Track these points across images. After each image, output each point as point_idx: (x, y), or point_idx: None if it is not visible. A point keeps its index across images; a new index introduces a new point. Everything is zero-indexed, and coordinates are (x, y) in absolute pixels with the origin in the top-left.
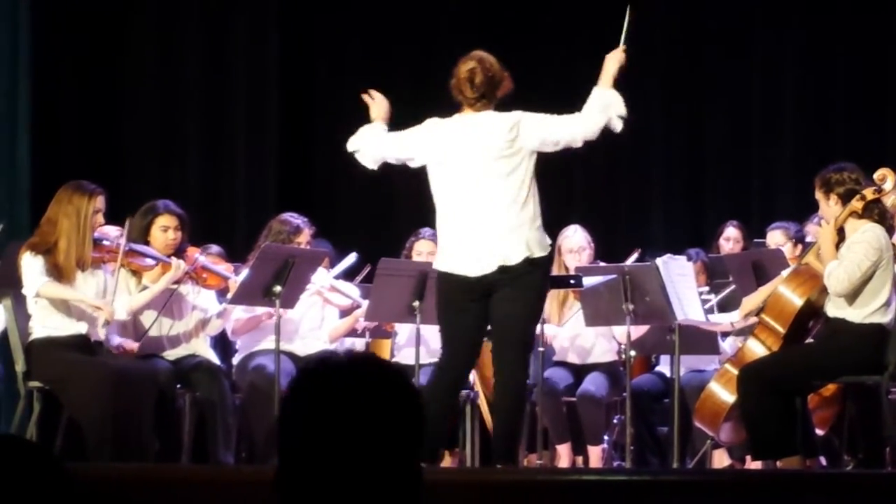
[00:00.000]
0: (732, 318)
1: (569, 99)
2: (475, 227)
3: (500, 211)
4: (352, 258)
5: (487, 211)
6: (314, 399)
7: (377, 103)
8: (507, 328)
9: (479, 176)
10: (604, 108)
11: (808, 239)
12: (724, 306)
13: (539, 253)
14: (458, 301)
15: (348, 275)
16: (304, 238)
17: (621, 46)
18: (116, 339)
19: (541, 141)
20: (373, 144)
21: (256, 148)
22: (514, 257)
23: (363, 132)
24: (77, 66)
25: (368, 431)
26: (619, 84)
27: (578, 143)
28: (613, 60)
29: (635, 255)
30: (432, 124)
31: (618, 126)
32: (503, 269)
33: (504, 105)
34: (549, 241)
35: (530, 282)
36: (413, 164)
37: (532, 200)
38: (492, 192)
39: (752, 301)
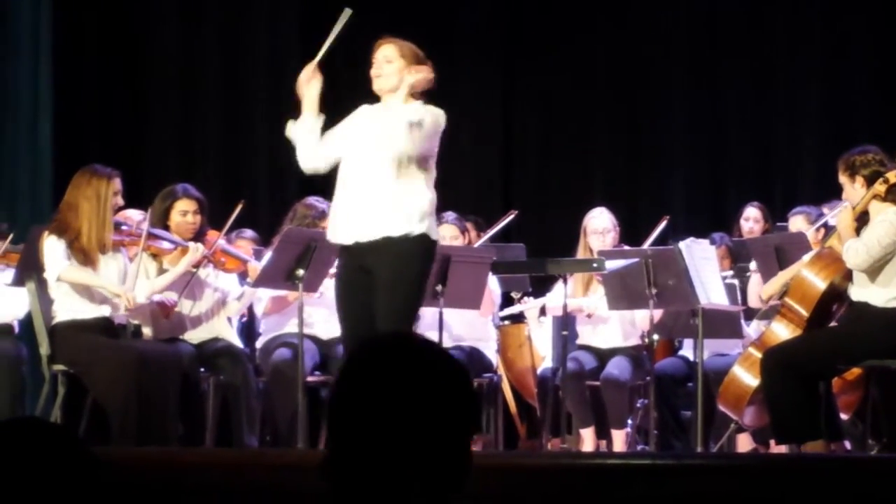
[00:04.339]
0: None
1: (587, 76)
2: None
3: None
4: None
5: None
6: (362, 382)
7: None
8: None
9: None
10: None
11: (830, 223)
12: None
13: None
14: None
15: None
16: None
17: (316, 61)
18: (156, 296)
19: None
20: None
21: (278, 131)
22: None
23: None
24: (98, 50)
25: (417, 412)
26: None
27: None
28: (307, 87)
29: (664, 224)
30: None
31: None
32: None
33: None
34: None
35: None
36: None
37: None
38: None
39: (772, 286)
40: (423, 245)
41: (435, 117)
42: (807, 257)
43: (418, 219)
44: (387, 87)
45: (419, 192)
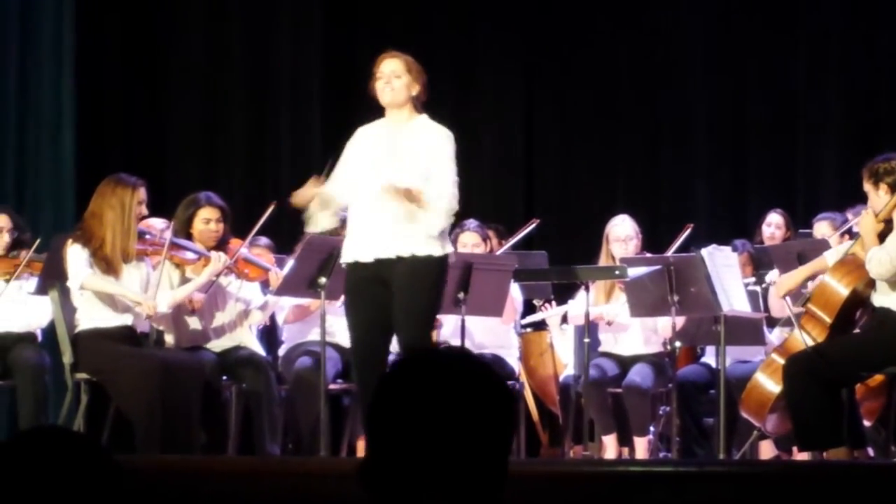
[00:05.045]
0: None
1: (609, 82)
2: None
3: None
4: None
5: None
6: (408, 391)
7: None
8: None
9: None
10: None
11: (855, 229)
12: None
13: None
14: None
15: None
16: None
17: None
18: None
19: None
20: None
21: (300, 140)
22: None
23: None
24: (121, 58)
25: (460, 424)
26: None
27: None
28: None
29: (687, 232)
30: None
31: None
32: None
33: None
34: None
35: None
36: None
37: None
38: None
39: (789, 281)
40: (441, 261)
41: (450, 142)
42: (828, 255)
43: (438, 237)
44: (398, 101)
45: (437, 210)
